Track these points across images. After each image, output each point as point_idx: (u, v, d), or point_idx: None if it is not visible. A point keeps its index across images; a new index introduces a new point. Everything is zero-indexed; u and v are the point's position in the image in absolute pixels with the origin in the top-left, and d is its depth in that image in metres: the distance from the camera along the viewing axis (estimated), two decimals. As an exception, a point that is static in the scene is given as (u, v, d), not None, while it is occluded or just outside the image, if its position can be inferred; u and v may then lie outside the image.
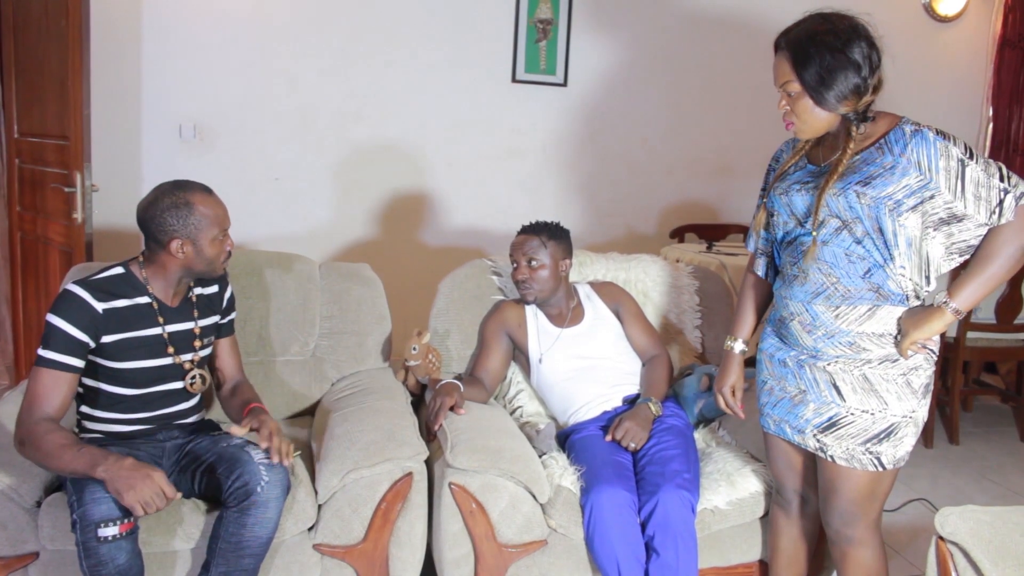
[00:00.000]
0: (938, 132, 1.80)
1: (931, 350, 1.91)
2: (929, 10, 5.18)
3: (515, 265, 2.60)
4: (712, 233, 4.78)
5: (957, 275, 1.91)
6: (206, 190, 2.07)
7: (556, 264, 2.59)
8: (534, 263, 2.57)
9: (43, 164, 3.53)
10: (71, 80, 3.17)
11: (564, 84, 4.66)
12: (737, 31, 4.90)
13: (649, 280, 2.93)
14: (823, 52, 1.78)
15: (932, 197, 1.79)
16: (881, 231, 1.83)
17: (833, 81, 1.79)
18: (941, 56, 5.29)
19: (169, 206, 1.99)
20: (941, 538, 1.75)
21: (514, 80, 4.59)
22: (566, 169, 4.79)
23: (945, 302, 1.82)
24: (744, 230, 4.96)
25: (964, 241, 1.83)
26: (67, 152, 3.25)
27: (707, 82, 4.94)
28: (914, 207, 1.81)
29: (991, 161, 1.81)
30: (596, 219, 4.89)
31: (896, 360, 1.87)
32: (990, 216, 1.79)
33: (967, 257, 1.85)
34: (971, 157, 1.78)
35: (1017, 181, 1.80)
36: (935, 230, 1.83)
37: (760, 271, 2.19)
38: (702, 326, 2.92)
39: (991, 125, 5.41)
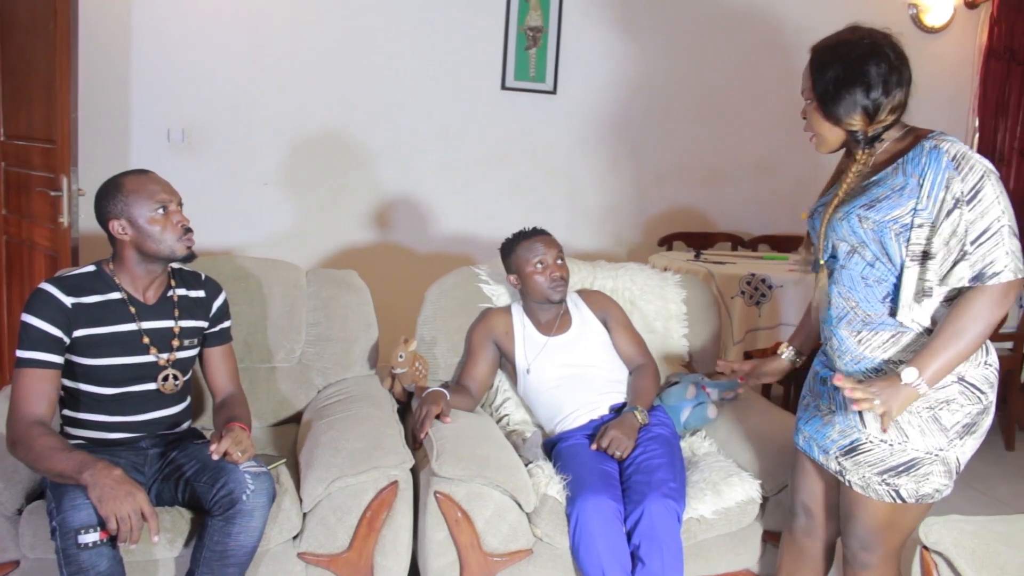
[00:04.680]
0: (954, 158, 1.65)
1: (970, 385, 1.76)
2: (916, 21, 5.23)
3: (541, 266, 2.57)
4: (700, 241, 4.79)
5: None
6: (140, 171, 2.10)
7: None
8: (560, 261, 2.60)
9: (29, 167, 3.51)
10: (58, 83, 3.15)
11: (554, 92, 4.67)
12: (727, 41, 4.92)
13: (636, 288, 2.92)
14: (837, 63, 1.74)
15: (922, 225, 1.69)
16: (888, 256, 1.75)
17: (839, 95, 1.74)
18: (928, 67, 5.32)
19: (103, 192, 2.06)
20: (925, 548, 1.75)
21: (504, 87, 4.59)
22: (555, 177, 4.79)
23: (918, 383, 1.67)
24: (732, 238, 4.98)
25: (928, 281, 1.70)
26: (53, 156, 3.23)
27: (696, 91, 4.95)
28: (919, 226, 1.69)
29: (1004, 224, 1.62)
30: (585, 227, 4.89)
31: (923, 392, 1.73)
32: (941, 271, 1.67)
33: (927, 299, 1.72)
34: (971, 202, 1.63)
35: (994, 259, 1.63)
36: (913, 261, 1.71)
37: None
38: (689, 335, 2.92)
39: (977, 136, 5.44)
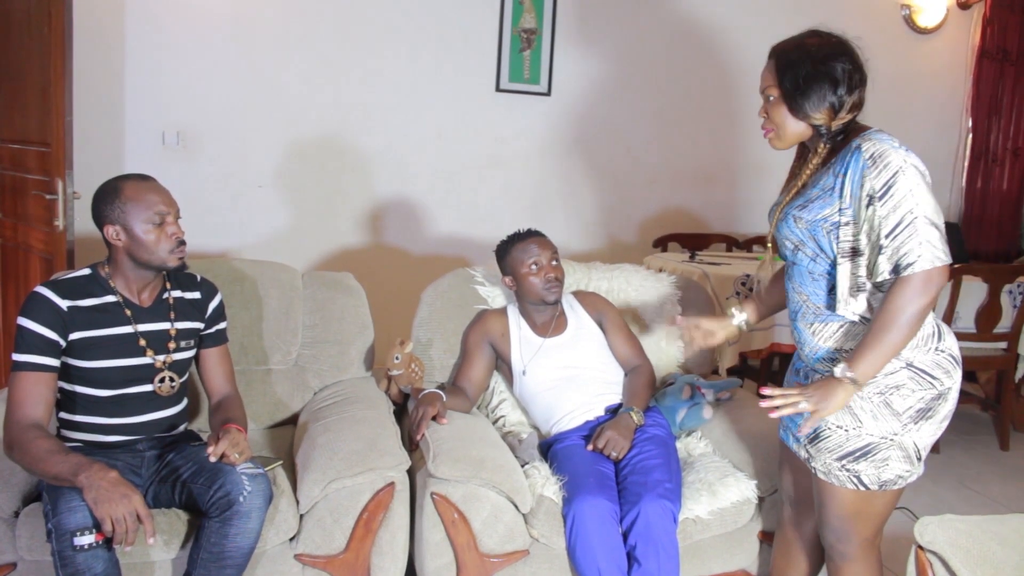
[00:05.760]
0: (871, 156, 1.71)
1: (919, 371, 1.80)
2: (909, 22, 5.24)
3: (536, 267, 2.57)
4: (695, 242, 4.80)
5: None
6: (142, 178, 2.09)
7: None
8: (555, 262, 2.60)
9: (24, 171, 3.50)
10: (53, 87, 3.15)
11: (548, 93, 4.68)
12: (720, 43, 4.94)
13: (632, 289, 2.93)
14: (805, 61, 1.80)
15: (848, 223, 1.76)
16: (824, 252, 1.82)
17: (809, 91, 1.79)
18: (921, 67, 5.34)
19: (101, 195, 2.06)
20: (920, 547, 1.76)
21: (498, 89, 4.60)
22: (549, 178, 4.80)
23: (848, 376, 1.75)
24: (726, 239, 4.99)
25: (860, 277, 1.77)
26: (49, 159, 3.23)
27: (690, 92, 4.97)
28: (846, 224, 1.77)
29: (918, 216, 1.67)
30: (579, 228, 4.90)
31: (873, 378, 1.80)
32: (868, 266, 1.75)
33: (862, 293, 1.79)
34: (883, 197, 1.69)
35: (908, 250, 1.68)
36: (844, 257, 1.78)
37: None
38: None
39: (970, 136, 5.47)
